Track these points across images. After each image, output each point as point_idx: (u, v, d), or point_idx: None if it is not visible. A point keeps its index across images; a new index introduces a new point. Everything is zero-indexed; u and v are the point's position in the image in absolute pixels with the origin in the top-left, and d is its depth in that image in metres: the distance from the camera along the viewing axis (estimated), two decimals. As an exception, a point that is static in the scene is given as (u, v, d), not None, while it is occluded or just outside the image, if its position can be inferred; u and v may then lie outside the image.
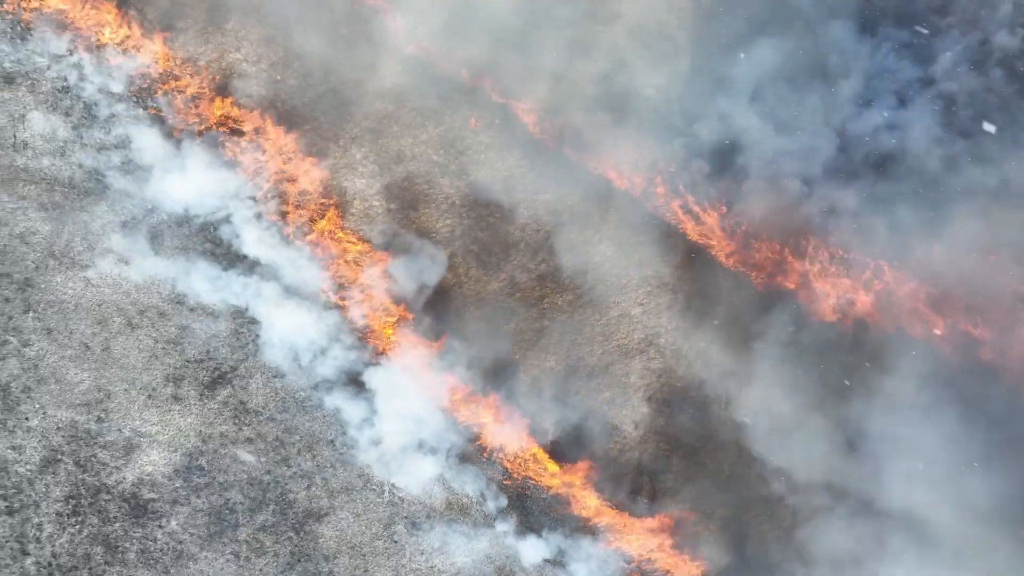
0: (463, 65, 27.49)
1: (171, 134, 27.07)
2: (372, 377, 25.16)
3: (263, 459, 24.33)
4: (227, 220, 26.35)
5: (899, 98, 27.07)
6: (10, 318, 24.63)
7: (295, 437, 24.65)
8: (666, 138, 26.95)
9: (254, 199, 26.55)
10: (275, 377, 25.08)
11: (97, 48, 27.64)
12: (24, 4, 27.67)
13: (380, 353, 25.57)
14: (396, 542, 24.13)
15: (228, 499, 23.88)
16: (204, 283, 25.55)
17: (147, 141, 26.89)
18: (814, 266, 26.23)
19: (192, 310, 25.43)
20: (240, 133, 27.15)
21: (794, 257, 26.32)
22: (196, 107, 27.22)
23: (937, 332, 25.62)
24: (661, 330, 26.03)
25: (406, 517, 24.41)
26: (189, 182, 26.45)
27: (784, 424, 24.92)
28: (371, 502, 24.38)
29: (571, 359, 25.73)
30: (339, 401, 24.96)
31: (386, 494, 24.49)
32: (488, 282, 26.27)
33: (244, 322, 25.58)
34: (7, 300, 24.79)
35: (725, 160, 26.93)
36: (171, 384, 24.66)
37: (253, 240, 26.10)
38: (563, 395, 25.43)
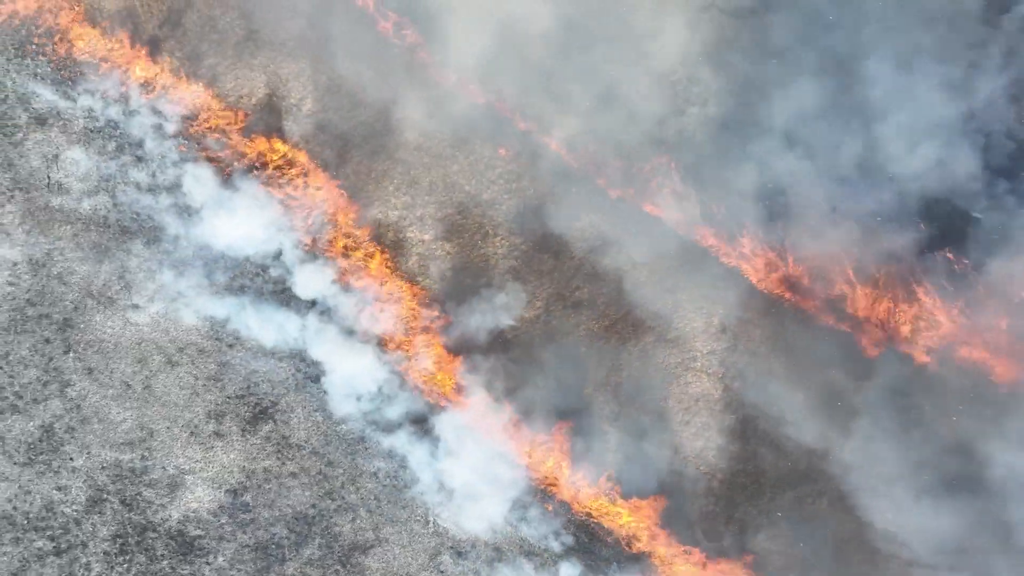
0: (497, 97, 27.62)
1: (212, 173, 27.25)
2: (437, 420, 25.28)
3: (307, 493, 24.41)
4: (276, 260, 26.49)
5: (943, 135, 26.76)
6: (51, 359, 24.72)
7: (338, 471, 24.74)
8: (712, 181, 26.82)
9: (303, 240, 26.69)
10: (316, 411, 25.18)
11: (129, 88, 27.81)
12: (57, 47, 27.85)
13: (443, 396, 25.63)
14: (443, 572, 24.20)
15: (274, 534, 23.95)
16: (257, 323, 25.68)
17: (184, 180, 27.09)
18: (910, 310, 25.84)
19: (231, 346, 25.55)
20: (280, 170, 27.30)
21: (890, 302, 25.95)
22: (232, 145, 27.38)
23: None
24: (734, 374, 25.83)
25: (451, 547, 24.48)
26: (232, 222, 26.60)
27: (890, 478, 24.38)
28: (416, 533, 24.45)
29: (642, 400, 25.65)
30: (400, 442, 25.04)
31: (431, 525, 24.57)
32: (552, 322, 26.26)
33: (284, 357, 25.69)
34: (47, 341, 24.89)
35: (775, 205, 26.74)
36: (213, 420, 24.75)
37: (305, 282, 26.24)
38: (635, 436, 25.35)
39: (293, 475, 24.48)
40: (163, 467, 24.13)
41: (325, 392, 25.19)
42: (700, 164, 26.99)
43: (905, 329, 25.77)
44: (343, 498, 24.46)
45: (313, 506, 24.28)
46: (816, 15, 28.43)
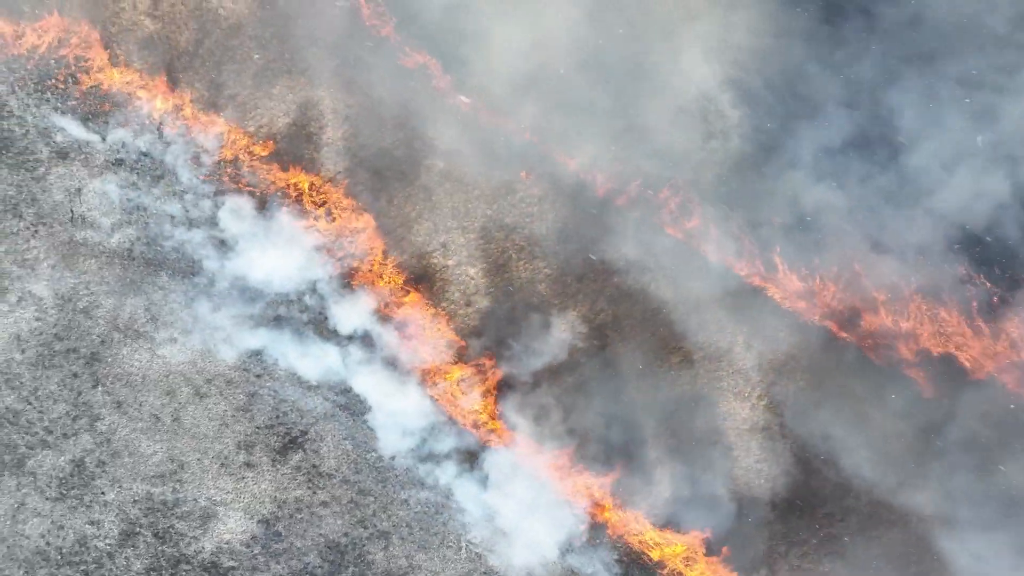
0: (520, 124, 27.72)
1: (240, 204, 27.35)
2: (483, 455, 25.37)
3: (339, 521, 24.41)
4: (311, 292, 26.59)
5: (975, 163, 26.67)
6: (79, 393, 24.75)
7: (369, 499, 24.74)
8: (742, 213, 26.83)
9: (336, 271, 26.78)
10: (345, 439, 25.20)
11: (150, 120, 27.92)
12: (78, 80, 27.96)
13: (488, 431, 25.68)
14: (477, 598, 24.24)
15: (307, 563, 23.94)
16: (296, 355, 25.79)
17: (208, 211, 27.17)
18: (957, 340, 25.79)
19: (259, 376, 25.58)
20: (309, 200, 27.38)
21: (938, 335, 25.91)
22: (259, 175, 27.47)
23: None
24: (789, 408, 25.87)
25: (485, 573, 24.47)
26: (265, 254, 26.68)
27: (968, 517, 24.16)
28: (449, 559, 24.44)
29: (694, 432, 25.62)
30: (446, 475, 25.10)
31: (463, 551, 24.57)
32: (600, 354, 26.27)
33: (313, 386, 25.74)
34: (75, 375, 24.92)
35: (808, 238, 26.75)
36: (243, 451, 24.76)
37: (341, 314, 26.33)
38: (687, 468, 25.32)
39: (324, 504, 24.48)
40: (195, 499, 24.12)
41: (371, 428, 25.22)
42: (728, 194, 27.01)
43: (956, 357, 25.74)
44: (375, 526, 24.46)
45: (345, 534, 24.28)
46: (840, 44, 28.51)
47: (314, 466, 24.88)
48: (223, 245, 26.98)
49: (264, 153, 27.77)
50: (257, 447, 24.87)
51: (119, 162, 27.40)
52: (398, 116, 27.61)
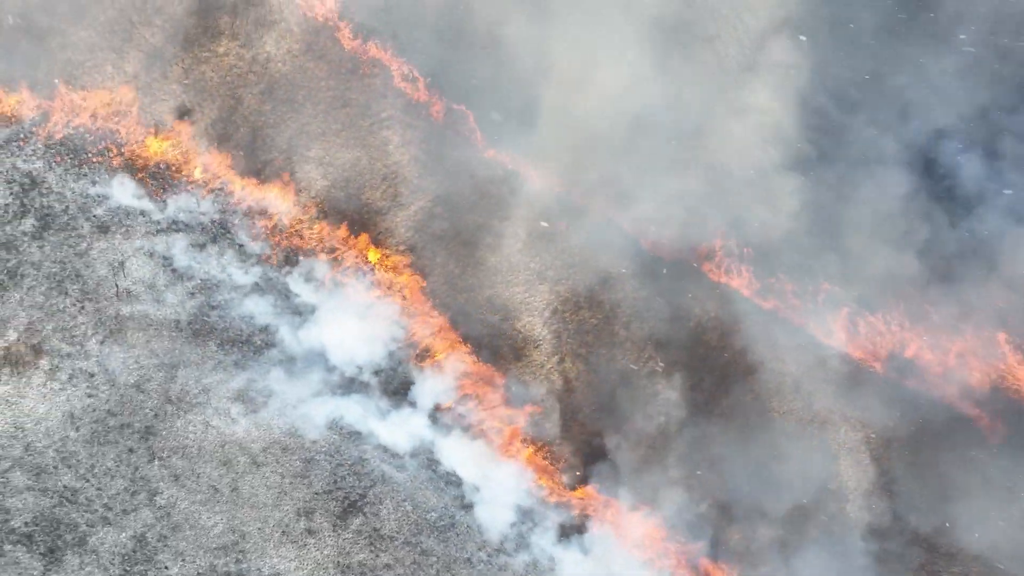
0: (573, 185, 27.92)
1: (263, 261, 27.55)
2: (582, 528, 25.42)
3: (403, 584, 24.48)
4: (389, 363, 26.76)
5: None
6: (136, 468, 24.77)
7: (432, 559, 24.75)
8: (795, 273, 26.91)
9: (407, 345, 26.95)
10: (404, 501, 25.21)
11: (190, 188, 28.06)
12: (112, 153, 28.09)
13: (583, 504, 25.74)
14: (546, 654, 24.23)
15: (374, 628, 23.96)
16: (383, 428, 25.92)
17: (266, 279, 27.34)
18: None
19: (315, 442, 25.60)
20: (372, 270, 27.51)
21: None
22: (321, 243, 27.60)
23: None
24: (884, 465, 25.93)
25: (551, 628, 24.51)
26: (334, 322, 26.86)
27: None
28: (515, 616, 24.49)
29: (793, 494, 25.56)
30: (544, 544, 25.18)
31: (529, 607, 24.60)
32: (692, 422, 26.31)
33: (369, 448, 25.79)
34: (131, 451, 24.95)
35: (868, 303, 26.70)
36: (303, 518, 24.77)
37: (422, 389, 26.59)
38: (787, 533, 25.28)
39: (388, 567, 24.49)
40: (258, 569, 24.12)
41: (472, 509, 25.36)
42: (784, 255, 27.04)
43: None
44: (439, 586, 24.50)
45: (411, 597, 24.30)
46: (894, 102, 28.55)
47: (375, 529, 24.89)
48: (280, 313, 27.07)
49: (307, 217, 27.84)
50: (317, 513, 24.87)
51: (159, 232, 27.50)
52: (470, 196, 27.79)
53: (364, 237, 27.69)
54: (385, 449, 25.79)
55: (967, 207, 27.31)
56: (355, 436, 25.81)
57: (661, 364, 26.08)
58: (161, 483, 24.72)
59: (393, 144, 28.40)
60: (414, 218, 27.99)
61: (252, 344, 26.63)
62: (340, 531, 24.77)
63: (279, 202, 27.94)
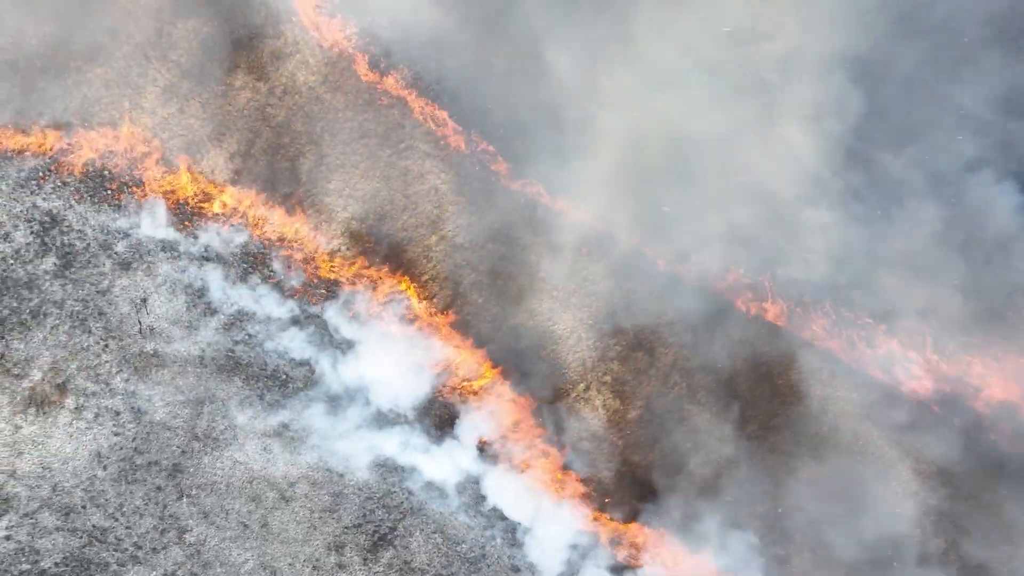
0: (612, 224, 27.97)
1: (291, 296, 27.62)
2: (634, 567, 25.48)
3: (436, 617, 24.39)
4: (428, 400, 26.90)
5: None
6: (165, 506, 24.69)
7: (464, 590, 24.71)
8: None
9: (447, 382, 27.00)
10: (435, 533, 25.15)
11: (212, 224, 28.07)
12: (131, 189, 28.10)
13: (635, 547, 25.70)
14: None
15: (408, 662, 23.88)
16: (426, 461, 25.97)
17: (272, 308, 27.34)
18: None
19: (342, 475, 25.55)
20: (409, 305, 27.56)
21: None
22: (355, 279, 27.66)
23: None
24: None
25: (586, 658, 24.43)
26: (372, 356, 26.92)
27: None
28: (550, 647, 24.40)
29: (851, 531, 25.52)
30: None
31: (563, 637, 24.53)
32: (749, 460, 26.28)
33: (396, 480, 25.74)
34: (159, 488, 24.87)
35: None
36: (334, 552, 24.70)
37: (466, 427, 26.61)
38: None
39: (420, 600, 24.43)
40: (290, 605, 24.05)
41: (523, 546, 25.30)
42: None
43: None
44: (472, 618, 24.41)
45: (444, 630, 24.23)
46: (917, 134, 28.65)
47: (406, 562, 24.83)
48: (315, 347, 27.08)
49: (325, 251, 27.86)
50: (347, 547, 24.81)
51: (181, 268, 27.47)
52: (501, 227, 27.92)
53: (394, 268, 27.68)
54: (427, 483, 25.75)
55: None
56: (396, 470, 25.77)
57: (710, 399, 26.04)
58: (190, 520, 24.65)
59: (413, 174, 28.41)
60: (442, 248, 27.99)
61: (283, 379, 26.60)
62: (371, 564, 24.71)
63: (302, 234, 27.92)
